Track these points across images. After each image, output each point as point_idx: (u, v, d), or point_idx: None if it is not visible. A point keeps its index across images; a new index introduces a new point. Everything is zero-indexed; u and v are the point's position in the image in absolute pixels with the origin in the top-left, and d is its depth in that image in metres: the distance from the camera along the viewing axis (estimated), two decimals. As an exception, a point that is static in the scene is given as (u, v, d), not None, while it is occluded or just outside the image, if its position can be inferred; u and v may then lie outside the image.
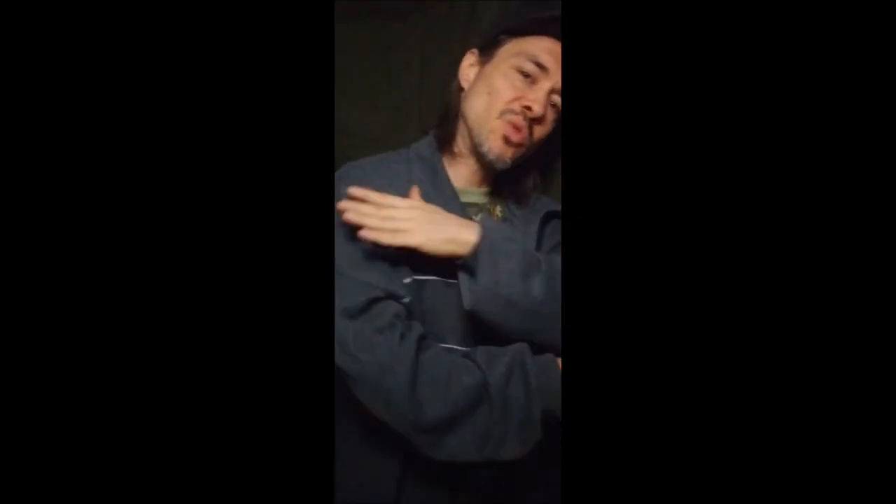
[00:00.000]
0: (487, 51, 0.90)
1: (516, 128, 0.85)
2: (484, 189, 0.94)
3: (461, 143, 0.92)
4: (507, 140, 0.86)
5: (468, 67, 0.93)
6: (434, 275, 0.82)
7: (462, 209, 0.87)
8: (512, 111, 0.85)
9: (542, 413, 0.74)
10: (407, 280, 0.80)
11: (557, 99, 0.87)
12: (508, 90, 0.86)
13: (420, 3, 1.16)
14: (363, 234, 0.76)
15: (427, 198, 0.84)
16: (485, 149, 0.87)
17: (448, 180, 0.90)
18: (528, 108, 0.84)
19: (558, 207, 0.93)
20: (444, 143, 0.92)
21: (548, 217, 0.92)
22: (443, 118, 0.94)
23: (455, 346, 0.81)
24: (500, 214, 0.93)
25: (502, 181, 0.94)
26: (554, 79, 0.85)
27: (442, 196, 0.86)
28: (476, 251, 0.77)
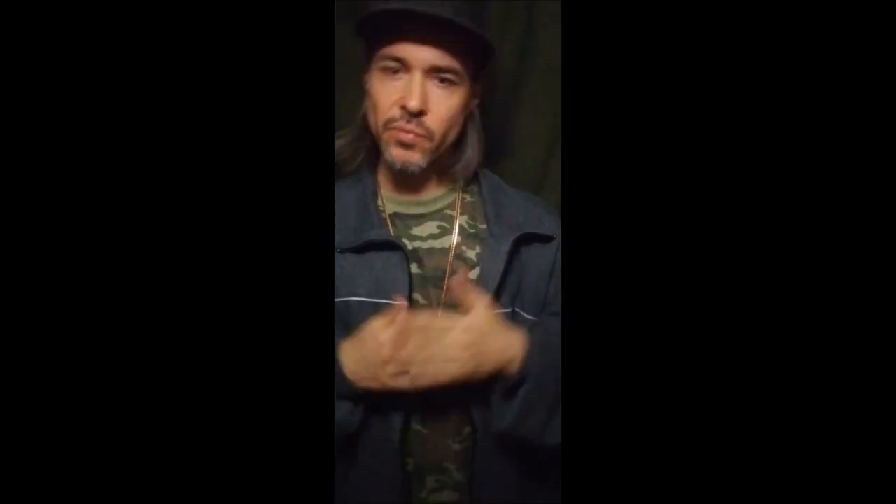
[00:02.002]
0: (367, 56, 0.85)
1: (404, 131, 0.80)
2: (437, 193, 0.89)
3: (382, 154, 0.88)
4: (401, 144, 0.81)
5: (365, 75, 0.87)
6: (363, 296, 0.82)
7: (387, 234, 0.84)
8: (393, 118, 0.80)
9: None
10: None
11: (442, 74, 0.80)
12: (384, 97, 0.81)
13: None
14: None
15: (356, 220, 0.85)
16: (389, 161, 0.83)
17: (377, 210, 0.87)
18: (404, 107, 0.79)
19: (532, 228, 0.86)
20: (373, 156, 0.89)
21: (524, 240, 0.86)
22: (354, 126, 0.90)
23: None
24: (466, 226, 0.88)
25: (448, 171, 0.89)
26: (421, 62, 0.78)
27: (371, 227, 0.85)
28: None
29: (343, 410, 0.77)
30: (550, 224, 0.89)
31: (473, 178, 0.92)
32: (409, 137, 0.80)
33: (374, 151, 0.89)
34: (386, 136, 0.82)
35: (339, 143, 0.89)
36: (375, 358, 0.74)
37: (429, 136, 0.81)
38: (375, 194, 0.89)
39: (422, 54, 0.78)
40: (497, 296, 0.82)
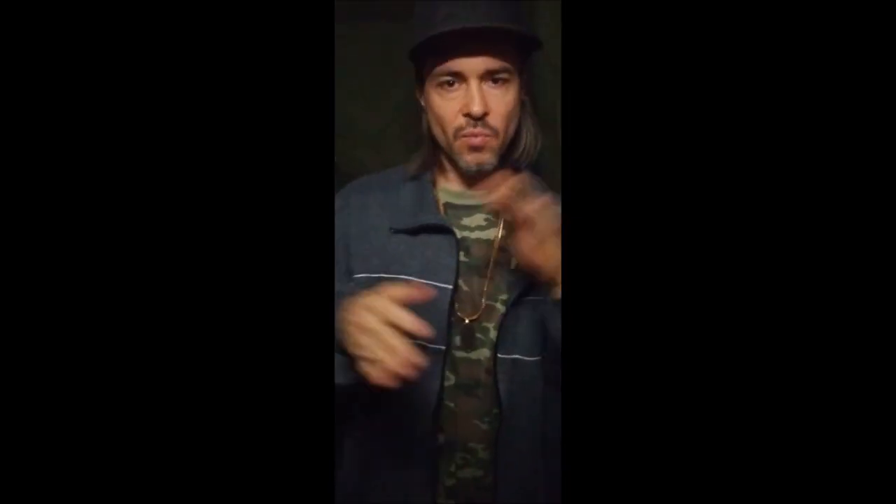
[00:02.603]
0: (418, 71, 0.91)
1: (473, 135, 0.86)
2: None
3: (444, 159, 0.94)
4: (473, 148, 0.87)
5: (416, 91, 0.94)
6: (411, 275, 0.87)
7: (442, 219, 0.90)
8: (461, 127, 0.86)
9: None
10: (358, 276, 0.90)
11: (495, 76, 0.85)
12: (447, 110, 0.87)
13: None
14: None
15: (412, 205, 0.91)
16: (464, 166, 0.89)
17: (433, 198, 0.92)
18: (468, 114, 0.85)
19: None
20: (431, 163, 0.96)
21: None
22: (422, 142, 0.96)
23: (424, 343, 0.85)
24: (510, 220, 0.93)
25: (508, 155, 0.94)
26: (475, 70, 0.84)
27: (427, 212, 0.91)
28: None
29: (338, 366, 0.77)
30: None
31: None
32: (478, 141, 0.86)
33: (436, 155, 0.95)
34: (458, 144, 0.88)
35: (415, 165, 0.96)
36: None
37: (494, 134, 0.87)
38: (433, 184, 0.95)
39: (474, 64, 0.84)
40: (532, 284, 0.87)
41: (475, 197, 0.93)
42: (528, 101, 0.94)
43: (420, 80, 0.91)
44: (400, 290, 0.71)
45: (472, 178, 0.93)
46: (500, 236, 0.91)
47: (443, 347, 0.86)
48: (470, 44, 0.82)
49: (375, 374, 0.68)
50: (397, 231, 0.90)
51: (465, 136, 0.86)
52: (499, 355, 0.86)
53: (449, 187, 0.95)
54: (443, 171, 0.96)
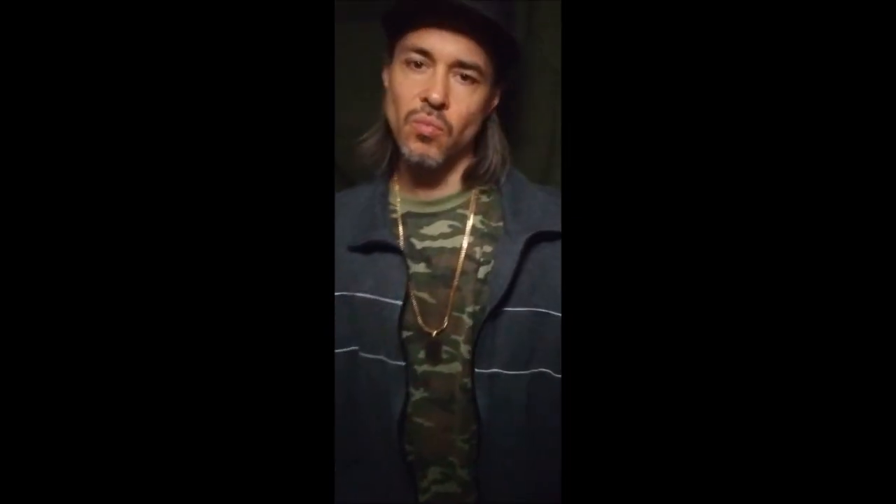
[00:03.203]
0: (389, 51, 0.87)
1: (425, 123, 0.82)
2: (452, 191, 0.90)
3: (402, 163, 0.89)
4: (420, 137, 0.82)
5: (384, 71, 0.89)
6: (365, 292, 0.85)
7: (387, 235, 0.86)
8: (415, 111, 0.82)
9: None
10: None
11: (465, 71, 0.81)
12: (407, 90, 0.82)
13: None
14: None
15: (367, 220, 0.88)
16: (407, 154, 0.84)
17: (386, 211, 0.89)
18: (426, 100, 0.81)
19: (553, 226, 0.84)
20: (384, 148, 0.91)
21: (536, 238, 0.85)
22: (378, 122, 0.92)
23: (384, 359, 0.84)
24: (480, 225, 0.88)
25: (471, 172, 0.89)
26: (446, 56, 0.80)
27: (376, 228, 0.87)
28: None
29: None
30: None
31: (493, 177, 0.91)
32: (428, 130, 0.82)
33: (397, 151, 0.90)
34: (406, 129, 0.83)
35: (367, 144, 0.91)
36: None
37: (447, 129, 0.83)
38: (385, 195, 0.90)
39: (447, 47, 0.80)
40: (508, 294, 0.82)
41: (435, 204, 0.89)
42: (497, 120, 0.90)
43: (390, 57, 0.86)
44: None
45: (428, 183, 0.88)
46: (466, 244, 0.86)
47: (402, 363, 0.83)
48: (447, 21, 0.79)
49: None
50: (352, 249, 0.87)
51: (416, 121, 0.82)
52: (476, 370, 0.82)
53: (408, 196, 0.90)
54: (402, 177, 0.91)
